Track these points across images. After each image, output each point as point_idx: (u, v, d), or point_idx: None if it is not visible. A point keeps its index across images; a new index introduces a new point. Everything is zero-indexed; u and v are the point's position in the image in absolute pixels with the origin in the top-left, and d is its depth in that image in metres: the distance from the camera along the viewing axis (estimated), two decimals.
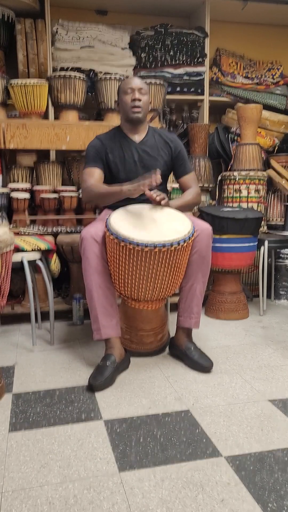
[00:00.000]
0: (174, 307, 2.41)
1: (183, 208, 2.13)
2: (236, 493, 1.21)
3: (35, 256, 2.33)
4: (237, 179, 3.22)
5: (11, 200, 2.73)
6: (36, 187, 2.88)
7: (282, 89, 3.87)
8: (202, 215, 2.75)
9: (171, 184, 2.79)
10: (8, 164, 3.03)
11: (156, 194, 1.99)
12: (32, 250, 2.33)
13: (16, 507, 1.16)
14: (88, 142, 2.26)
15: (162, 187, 2.27)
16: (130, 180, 2.15)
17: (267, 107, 3.77)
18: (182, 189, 2.27)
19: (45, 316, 2.65)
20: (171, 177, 2.55)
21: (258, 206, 3.23)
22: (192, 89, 3.66)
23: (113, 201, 2.05)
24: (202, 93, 3.70)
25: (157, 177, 1.87)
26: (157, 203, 2.02)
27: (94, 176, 2.14)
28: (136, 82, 2.13)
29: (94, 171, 2.15)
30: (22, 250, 2.29)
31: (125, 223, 1.91)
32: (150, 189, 1.98)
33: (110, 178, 2.21)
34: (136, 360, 2.11)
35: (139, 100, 2.11)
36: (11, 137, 2.67)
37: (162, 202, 2.01)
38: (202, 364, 1.99)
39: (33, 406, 1.70)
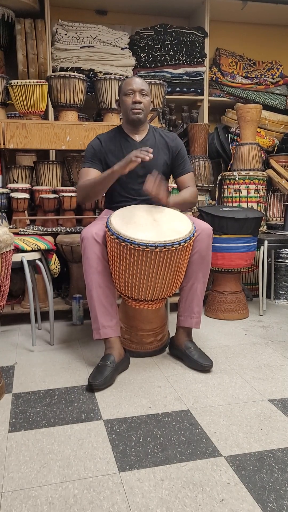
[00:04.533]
0: (174, 307, 2.42)
1: (180, 205, 2.13)
2: (236, 493, 1.21)
3: (35, 256, 2.33)
4: (236, 179, 3.22)
5: (11, 200, 2.73)
6: (36, 187, 2.88)
7: (281, 89, 3.87)
8: (202, 215, 2.75)
9: (171, 184, 2.78)
10: (8, 164, 3.03)
11: (153, 181, 1.97)
12: (32, 250, 2.33)
13: (16, 507, 1.16)
14: (88, 142, 2.26)
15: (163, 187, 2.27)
16: (130, 179, 2.16)
17: (267, 107, 3.77)
18: (179, 188, 2.27)
19: (45, 316, 2.64)
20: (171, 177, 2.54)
21: (257, 206, 3.23)
22: (192, 89, 3.66)
23: (108, 186, 2.06)
24: (202, 93, 3.71)
25: (148, 153, 1.88)
26: (156, 195, 1.99)
27: (90, 175, 2.15)
28: (137, 83, 2.11)
29: (90, 171, 2.16)
30: (22, 250, 2.29)
31: (126, 223, 1.91)
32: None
33: None
34: (136, 360, 2.11)
35: (140, 102, 2.10)
36: (11, 137, 2.67)
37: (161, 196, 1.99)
38: (202, 364, 1.99)
39: (33, 406, 1.70)
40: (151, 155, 1.90)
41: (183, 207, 2.18)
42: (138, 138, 2.20)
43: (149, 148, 1.91)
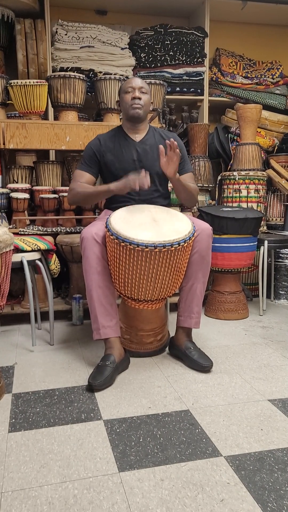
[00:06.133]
0: (174, 307, 2.42)
1: (182, 189, 2.12)
2: (236, 493, 1.21)
3: (35, 256, 2.33)
4: (236, 179, 3.22)
5: (11, 200, 2.73)
6: (36, 187, 2.88)
7: (281, 89, 3.87)
8: (202, 215, 2.75)
9: (171, 185, 2.78)
10: (8, 164, 3.03)
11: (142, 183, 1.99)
12: (32, 250, 2.33)
13: (16, 507, 1.16)
14: (88, 142, 2.26)
15: (163, 186, 2.27)
16: None
17: (267, 107, 3.77)
18: None
19: (44, 316, 2.64)
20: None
21: (257, 206, 3.23)
22: (192, 89, 3.66)
23: (99, 200, 2.08)
24: (202, 93, 3.71)
25: (146, 180, 1.94)
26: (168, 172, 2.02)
27: (83, 178, 2.16)
28: (137, 82, 2.14)
29: (84, 175, 2.18)
30: (22, 250, 2.29)
31: (125, 223, 1.91)
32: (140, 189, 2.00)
33: (109, 177, 2.21)
34: (136, 360, 2.11)
35: (139, 98, 2.12)
36: (10, 137, 2.67)
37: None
38: (201, 364, 1.99)
39: (33, 406, 1.70)
40: (149, 183, 1.97)
41: (184, 193, 2.16)
42: (137, 137, 2.21)
43: (147, 172, 1.98)
